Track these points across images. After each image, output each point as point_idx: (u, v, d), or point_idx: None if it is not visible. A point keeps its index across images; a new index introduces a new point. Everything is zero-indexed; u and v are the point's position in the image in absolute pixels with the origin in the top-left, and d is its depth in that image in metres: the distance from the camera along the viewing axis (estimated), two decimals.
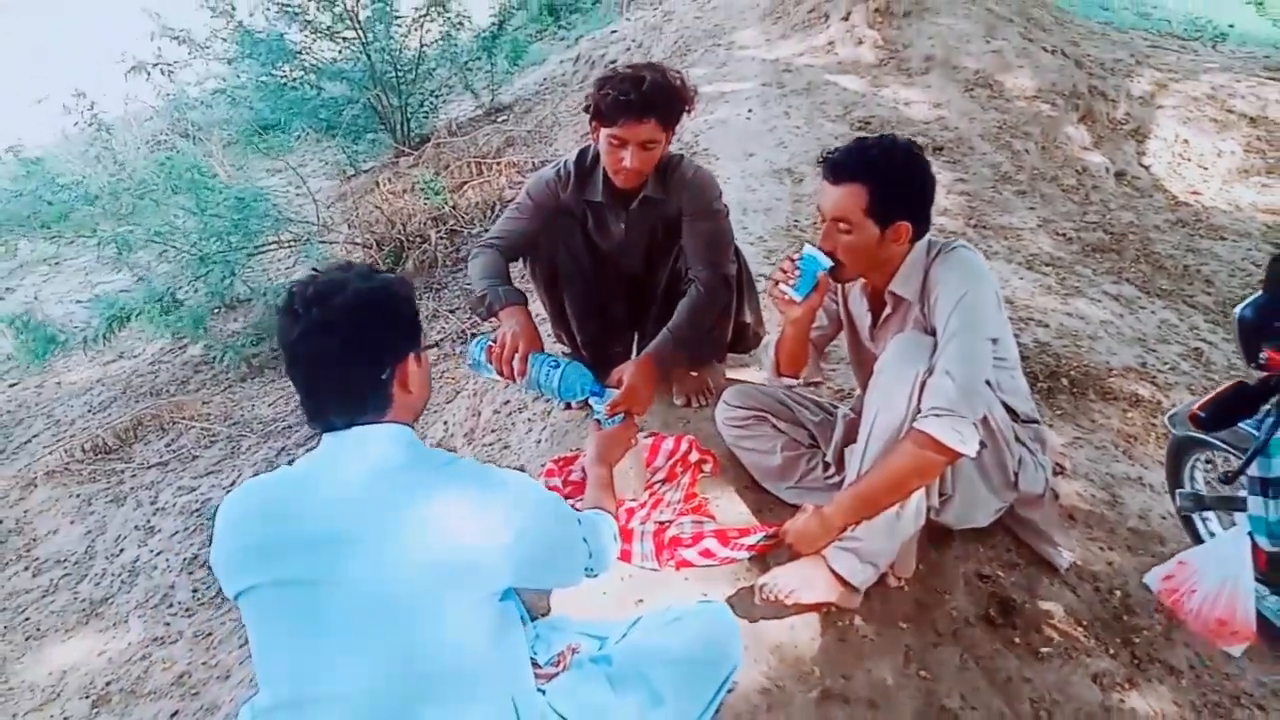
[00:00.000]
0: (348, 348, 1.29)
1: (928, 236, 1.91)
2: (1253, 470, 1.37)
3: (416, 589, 1.22)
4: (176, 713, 2.50)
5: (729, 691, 1.70)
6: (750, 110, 5.09)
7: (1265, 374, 1.50)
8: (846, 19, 5.72)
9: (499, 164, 5.69)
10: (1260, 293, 1.55)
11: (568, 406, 2.64)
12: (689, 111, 2.22)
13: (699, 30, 6.57)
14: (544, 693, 1.45)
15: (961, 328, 1.76)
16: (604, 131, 2.15)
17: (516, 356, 2.10)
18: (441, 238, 5.16)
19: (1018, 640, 1.92)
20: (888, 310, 1.98)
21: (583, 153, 2.35)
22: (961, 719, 1.75)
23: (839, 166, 1.82)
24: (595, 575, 1.61)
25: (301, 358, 1.31)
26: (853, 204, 1.81)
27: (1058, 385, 2.87)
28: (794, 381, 2.19)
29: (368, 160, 7.20)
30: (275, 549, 1.26)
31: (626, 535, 2.10)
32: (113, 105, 7.18)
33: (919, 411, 1.74)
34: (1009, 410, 1.92)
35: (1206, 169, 5.21)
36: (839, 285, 2.11)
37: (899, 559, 1.95)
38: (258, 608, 1.28)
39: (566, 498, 2.16)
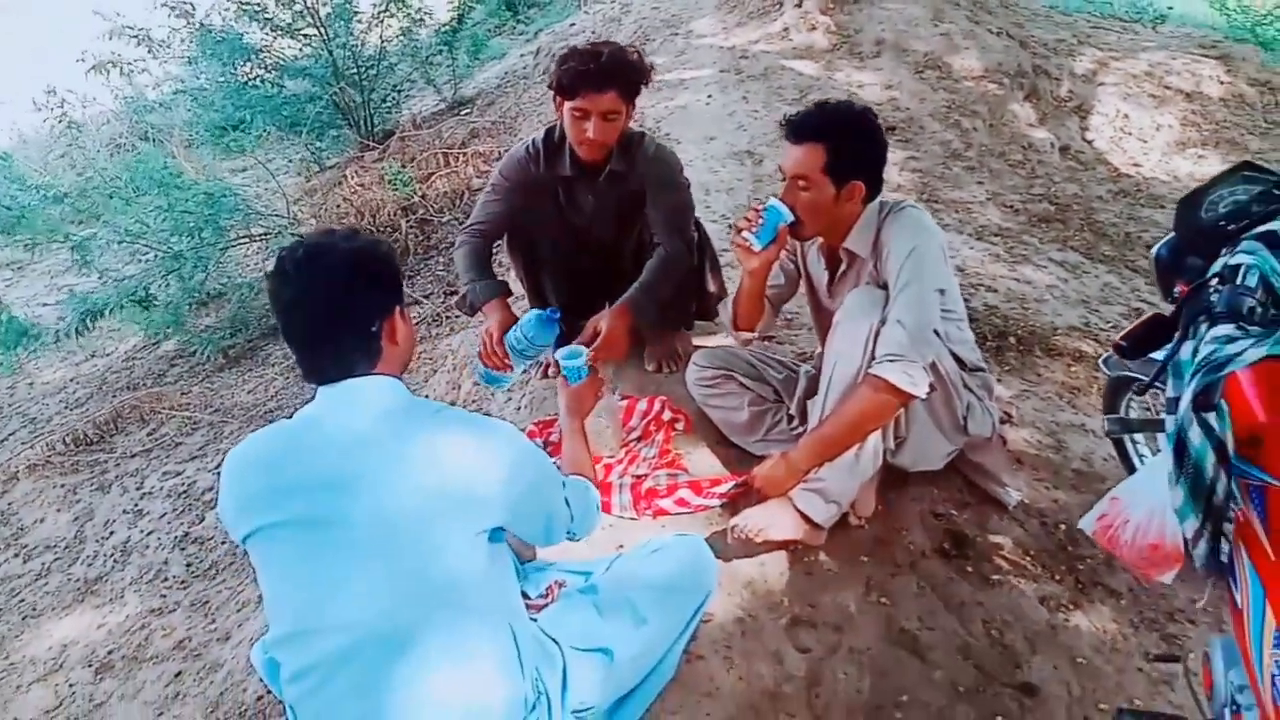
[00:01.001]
0: (338, 305, 1.35)
1: (879, 198, 2.04)
2: (1168, 391, 1.50)
3: (417, 517, 1.28)
4: (180, 673, 2.57)
5: (704, 621, 1.84)
6: (710, 96, 5.22)
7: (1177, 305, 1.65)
8: (799, 6, 5.86)
9: (465, 154, 5.74)
10: (1172, 234, 1.70)
11: (545, 373, 2.74)
12: (646, 83, 2.31)
13: (657, 20, 6.67)
14: (536, 621, 1.57)
15: (911, 279, 1.89)
16: (567, 105, 2.24)
17: (494, 343, 2.24)
18: (412, 227, 5.21)
19: (970, 569, 2.07)
20: (843, 267, 2.11)
21: (549, 131, 2.45)
22: (920, 639, 1.89)
23: (800, 127, 1.95)
24: (576, 538, 1.67)
25: (295, 317, 1.36)
26: (811, 162, 1.93)
27: (1006, 344, 3.02)
28: (751, 335, 2.30)
29: (332, 156, 7.17)
30: (280, 492, 1.31)
31: (605, 489, 2.21)
32: (70, 108, 7.07)
33: (874, 359, 1.87)
34: (957, 359, 2.05)
35: (1146, 142, 5.42)
36: (798, 246, 2.25)
37: (859, 499, 2.09)
38: (265, 548, 1.33)
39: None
